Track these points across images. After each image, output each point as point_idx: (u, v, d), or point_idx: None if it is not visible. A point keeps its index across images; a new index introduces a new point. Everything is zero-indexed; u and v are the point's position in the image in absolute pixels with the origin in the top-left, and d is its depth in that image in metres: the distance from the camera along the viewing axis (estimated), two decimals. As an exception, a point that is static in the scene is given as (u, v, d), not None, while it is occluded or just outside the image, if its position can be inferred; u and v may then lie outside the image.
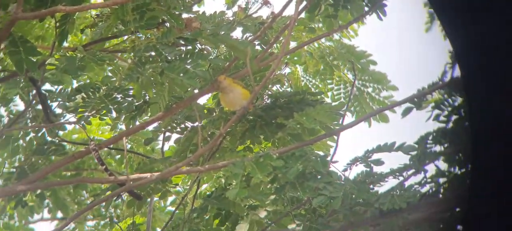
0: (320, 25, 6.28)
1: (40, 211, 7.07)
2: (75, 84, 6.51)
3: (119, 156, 7.40)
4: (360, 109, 6.66)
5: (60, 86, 6.37)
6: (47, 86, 6.42)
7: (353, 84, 6.50)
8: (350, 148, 5.87)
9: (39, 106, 6.57)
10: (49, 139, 6.69)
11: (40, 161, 6.55)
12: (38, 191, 6.68)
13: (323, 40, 6.70)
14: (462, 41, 3.66)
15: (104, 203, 6.61)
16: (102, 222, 7.58)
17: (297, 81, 6.81)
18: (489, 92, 3.62)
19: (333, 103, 6.19)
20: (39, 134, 6.75)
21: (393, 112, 6.35)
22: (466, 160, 4.33)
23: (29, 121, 6.75)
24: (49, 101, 6.44)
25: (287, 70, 6.32)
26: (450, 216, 4.96)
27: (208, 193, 6.29)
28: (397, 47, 7.39)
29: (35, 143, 6.73)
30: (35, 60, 5.79)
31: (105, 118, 6.00)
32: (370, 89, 6.63)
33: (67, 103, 6.06)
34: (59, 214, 7.09)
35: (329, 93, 6.78)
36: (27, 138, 6.82)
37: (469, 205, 3.84)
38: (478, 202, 3.75)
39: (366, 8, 5.79)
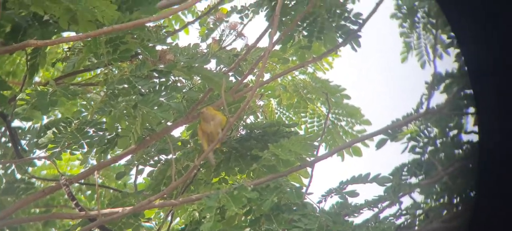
0: (294, 58, 6.30)
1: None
2: (45, 120, 6.46)
3: (89, 191, 7.33)
4: (333, 143, 6.66)
5: (30, 123, 6.31)
6: (16, 123, 6.36)
7: (327, 116, 6.50)
8: (324, 179, 5.86)
9: (8, 144, 6.49)
10: (18, 176, 6.60)
11: (9, 199, 6.45)
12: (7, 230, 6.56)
13: (297, 73, 6.73)
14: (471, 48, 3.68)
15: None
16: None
17: (271, 114, 6.81)
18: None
19: (308, 135, 6.20)
20: (9, 171, 6.65)
21: (365, 146, 6.37)
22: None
23: (-2, 158, 6.65)
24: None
25: (261, 102, 6.31)
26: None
27: (181, 227, 6.22)
28: (374, 78, 7.43)
29: (4, 180, 6.63)
30: (5, 95, 5.73)
31: (76, 152, 5.93)
32: (343, 123, 6.64)
33: (38, 140, 5.97)
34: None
35: (303, 126, 6.78)
36: (-5, 175, 6.71)
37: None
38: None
39: (340, 40, 5.81)
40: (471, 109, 4.64)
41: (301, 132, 6.63)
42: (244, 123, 6.15)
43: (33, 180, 6.63)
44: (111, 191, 7.01)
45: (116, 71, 5.69)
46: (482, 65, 3.70)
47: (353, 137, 6.65)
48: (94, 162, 6.31)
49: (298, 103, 6.82)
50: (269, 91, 6.70)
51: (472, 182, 4.41)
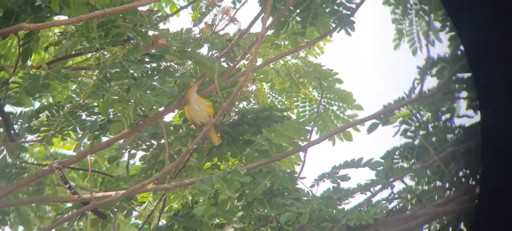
0: (287, 42, 6.30)
1: (1, 226, 6.94)
2: (37, 105, 6.45)
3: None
4: (324, 128, 6.67)
5: (22, 108, 6.30)
6: (8, 108, 6.35)
7: (320, 101, 6.51)
8: (317, 164, 5.89)
9: (0, 128, 6.48)
10: (10, 160, 6.59)
11: (1, 183, 6.45)
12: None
13: (289, 57, 6.73)
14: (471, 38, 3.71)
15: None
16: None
17: (264, 98, 6.81)
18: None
19: (301, 120, 6.22)
20: (0, 156, 6.64)
21: (357, 131, 6.38)
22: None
23: (-11, 141, 6.64)
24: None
25: (253, 87, 6.32)
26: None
27: (173, 212, 6.23)
28: (367, 62, 7.44)
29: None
30: (-2, 78, 5.74)
31: (67, 138, 5.92)
32: (335, 108, 6.64)
33: (30, 124, 5.95)
34: (21, 228, 6.99)
35: (295, 111, 6.78)
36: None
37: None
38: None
39: (333, 25, 5.82)
40: (464, 94, 4.67)
41: (294, 116, 6.64)
42: (236, 109, 6.16)
43: (25, 164, 6.61)
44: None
45: (108, 56, 5.68)
46: (483, 51, 3.73)
47: (345, 122, 6.64)
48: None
49: (290, 88, 6.82)
50: (262, 76, 6.69)
51: (464, 165, 4.46)
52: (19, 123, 6.56)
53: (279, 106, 6.80)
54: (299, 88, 6.80)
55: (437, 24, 5.18)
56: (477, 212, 3.98)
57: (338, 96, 6.61)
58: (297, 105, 6.80)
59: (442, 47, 4.89)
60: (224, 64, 5.99)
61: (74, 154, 6.56)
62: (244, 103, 6.20)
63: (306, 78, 6.76)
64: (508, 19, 3.70)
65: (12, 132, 6.37)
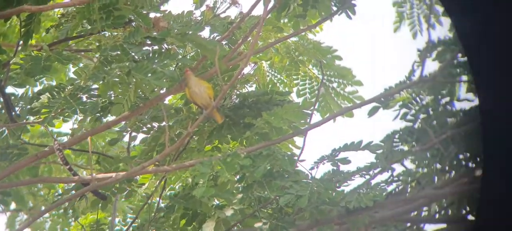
0: (286, 20, 6.26)
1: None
2: (38, 87, 6.46)
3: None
4: (325, 105, 6.66)
5: (23, 89, 6.31)
6: (9, 89, 6.35)
7: (320, 84, 6.52)
8: (316, 146, 5.90)
9: (1, 110, 6.48)
10: (11, 142, 6.60)
11: (2, 164, 6.46)
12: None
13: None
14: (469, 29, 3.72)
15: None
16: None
17: (263, 76, 6.79)
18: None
19: (300, 100, 6.25)
20: (2, 137, 6.65)
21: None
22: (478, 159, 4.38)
23: (-10, 122, 6.65)
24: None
25: (253, 65, 6.32)
26: (417, 215, 5.02)
27: (173, 192, 6.26)
28: (366, 45, 7.43)
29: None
30: (-1, 59, 5.75)
31: (68, 119, 5.94)
32: (335, 85, 6.63)
33: (31, 106, 5.97)
34: (13, 205, 7.02)
35: (295, 89, 6.77)
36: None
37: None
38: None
39: (334, 8, 5.83)
40: (464, 77, 4.68)
41: (295, 97, 6.64)
42: (237, 91, 6.17)
43: (26, 146, 6.62)
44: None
45: (109, 36, 5.69)
46: (475, 34, 3.74)
47: (345, 98, 6.64)
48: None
49: (289, 66, 6.80)
50: (261, 54, 6.64)
51: (464, 148, 4.48)
52: (20, 104, 6.57)
53: (278, 84, 6.80)
54: (299, 66, 6.78)
55: (439, 8, 5.19)
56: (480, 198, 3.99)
57: (338, 73, 6.60)
58: (296, 83, 6.79)
59: (443, 30, 4.90)
60: (226, 47, 6.00)
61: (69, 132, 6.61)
62: (246, 86, 6.22)
63: (305, 56, 6.74)
64: (503, 4, 3.71)
65: (13, 113, 6.38)
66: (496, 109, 3.73)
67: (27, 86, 6.41)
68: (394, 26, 5.72)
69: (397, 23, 5.70)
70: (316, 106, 5.99)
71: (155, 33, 5.69)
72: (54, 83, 6.84)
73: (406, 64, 5.12)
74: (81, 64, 6.37)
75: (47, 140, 7.02)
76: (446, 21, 4.81)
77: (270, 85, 6.86)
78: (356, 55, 7.37)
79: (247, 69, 6.11)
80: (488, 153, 3.81)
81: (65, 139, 6.89)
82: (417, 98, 4.97)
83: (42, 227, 7.57)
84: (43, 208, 6.90)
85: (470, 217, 4.70)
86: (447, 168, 4.75)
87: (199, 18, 5.99)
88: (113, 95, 5.83)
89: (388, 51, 6.68)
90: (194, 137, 6.12)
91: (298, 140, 6.17)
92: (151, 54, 5.57)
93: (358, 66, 6.75)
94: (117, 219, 7.00)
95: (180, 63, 5.89)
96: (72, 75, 6.25)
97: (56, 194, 6.55)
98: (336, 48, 6.59)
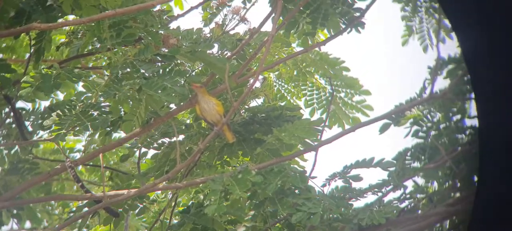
0: (295, 36, 6.26)
1: (9, 222, 6.98)
2: (49, 102, 6.48)
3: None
4: (333, 114, 6.66)
5: (34, 104, 6.33)
6: (20, 104, 6.39)
7: (330, 101, 6.51)
8: (326, 159, 5.89)
9: (13, 125, 6.52)
10: (22, 157, 6.64)
11: (13, 179, 6.50)
12: (14, 211, 6.61)
13: (294, 45, 6.66)
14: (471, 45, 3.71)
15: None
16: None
17: (271, 88, 6.79)
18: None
19: (308, 109, 6.24)
20: (12, 152, 6.69)
21: (366, 115, 6.38)
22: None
23: (1, 138, 6.68)
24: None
25: (262, 79, 6.33)
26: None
27: (183, 209, 6.27)
28: (376, 61, 7.43)
29: (7, 161, 6.67)
30: (9, 77, 5.76)
31: (79, 135, 5.96)
32: (342, 94, 6.63)
33: (43, 122, 5.99)
34: (28, 223, 7.05)
35: (303, 99, 6.78)
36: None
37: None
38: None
39: (343, 26, 5.83)
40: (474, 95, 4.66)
41: (303, 107, 6.64)
42: (247, 106, 6.18)
43: (37, 161, 6.66)
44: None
45: (120, 55, 5.70)
46: (479, 52, 3.73)
47: (353, 108, 6.63)
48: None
49: (297, 77, 6.80)
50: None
51: (475, 166, 4.47)
52: (31, 119, 6.60)
53: (286, 94, 6.80)
54: (306, 76, 6.78)
55: (448, 23, 5.18)
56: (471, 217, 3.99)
57: (345, 83, 6.60)
58: (304, 93, 6.78)
59: (453, 45, 4.90)
60: (235, 63, 6.01)
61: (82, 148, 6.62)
62: (256, 101, 6.23)
63: (313, 66, 6.74)
64: (505, 21, 3.70)
65: (24, 129, 6.41)
66: (494, 129, 3.73)
67: (37, 101, 6.45)
68: (403, 40, 5.72)
69: (406, 37, 5.70)
70: (327, 123, 5.96)
71: (165, 50, 5.71)
72: (61, 97, 6.88)
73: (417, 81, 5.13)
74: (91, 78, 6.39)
75: (59, 156, 7.03)
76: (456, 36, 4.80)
77: (278, 95, 6.86)
78: (362, 62, 7.37)
79: (256, 84, 6.10)
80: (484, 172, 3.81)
81: (77, 155, 6.92)
82: (428, 115, 4.97)
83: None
84: (57, 226, 6.90)
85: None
86: (458, 185, 4.75)
87: (208, 35, 6.00)
88: (123, 112, 5.84)
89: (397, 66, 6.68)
90: (204, 152, 6.13)
91: (308, 154, 6.17)
92: (161, 71, 5.58)
93: (365, 74, 6.76)
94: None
95: (189, 80, 5.90)
96: (81, 88, 6.27)
97: (70, 212, 6.55)
98: (343, 60, 6.60)
